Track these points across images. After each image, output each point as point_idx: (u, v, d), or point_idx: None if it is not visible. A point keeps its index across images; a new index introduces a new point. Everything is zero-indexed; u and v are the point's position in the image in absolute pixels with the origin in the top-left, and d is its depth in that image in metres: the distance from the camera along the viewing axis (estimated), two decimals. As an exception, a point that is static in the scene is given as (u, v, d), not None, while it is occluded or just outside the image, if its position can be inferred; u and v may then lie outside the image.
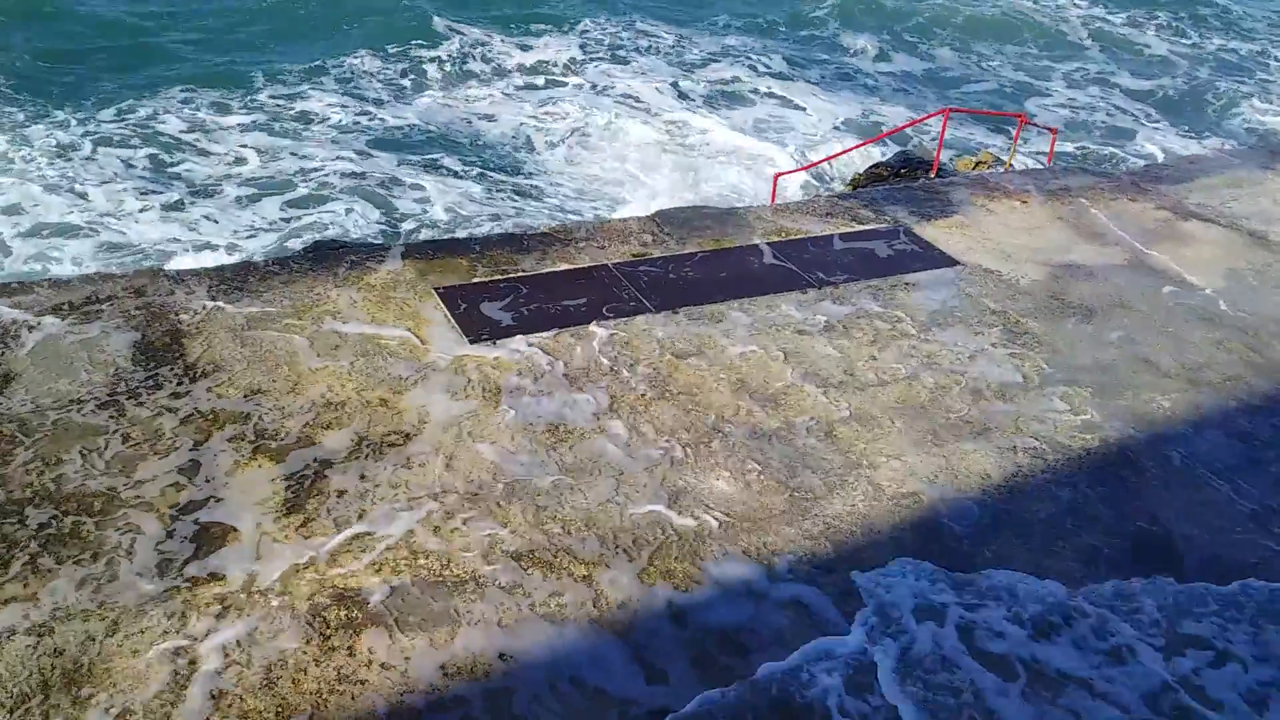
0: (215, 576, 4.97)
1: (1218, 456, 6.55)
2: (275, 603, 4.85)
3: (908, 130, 13.30)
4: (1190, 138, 14.91)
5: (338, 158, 12.76)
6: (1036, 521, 5.85)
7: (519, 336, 7.15)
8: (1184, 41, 19.75)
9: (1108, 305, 8.26)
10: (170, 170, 12.29)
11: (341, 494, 5.57)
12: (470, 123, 14.18)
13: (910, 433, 6.51)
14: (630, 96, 15.52)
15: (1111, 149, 14.05)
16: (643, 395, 6.63)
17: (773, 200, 11.02)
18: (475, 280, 7.85)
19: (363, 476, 5.70)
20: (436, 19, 18.00)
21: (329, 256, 8.01)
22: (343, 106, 14.20)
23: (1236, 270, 9.01)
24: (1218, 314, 8.28)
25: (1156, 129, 15.12)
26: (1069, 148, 14.07)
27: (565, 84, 15.78)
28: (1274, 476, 6.42)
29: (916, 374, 7.13)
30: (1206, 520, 5.99)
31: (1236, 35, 20.32)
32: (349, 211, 11.52)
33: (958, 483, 6.10)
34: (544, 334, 7.21)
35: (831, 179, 12.07)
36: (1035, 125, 12.75)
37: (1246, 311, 8.34)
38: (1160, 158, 13.52)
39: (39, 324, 6.82)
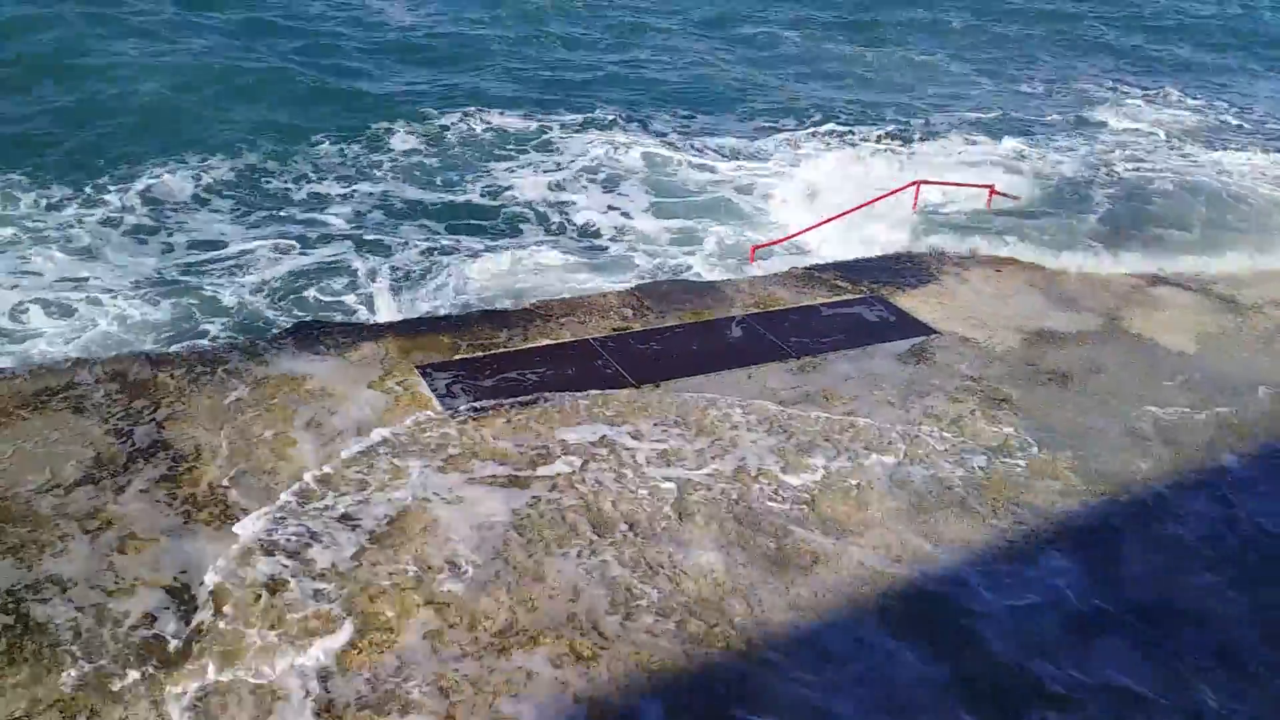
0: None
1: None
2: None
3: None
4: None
5: (324, 234, 12.94)
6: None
7: (499, 411, 7.17)
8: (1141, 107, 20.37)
9: (1083, 370, 8.36)
10: (148, 246, 12.43)
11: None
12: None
13: (893, 500, 6.53)
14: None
15: (1082, 208, 14.42)
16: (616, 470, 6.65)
17: (752, 260, 11.17)
18: (457, 356, 7.89)
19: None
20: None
21: (311, 336, 8.06)
22: (329, 183, 14.42)
23: (1208, 333, 9.15)
24: (1191, 376, 8.38)
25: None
26: (1043, 210, 14.36)
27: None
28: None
29: (896, 442, 7.17)
30: (1189, 582, 5.99)
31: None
32: (337, 288, 11.61)
33: (940, 550, 6.11)
34: (524, 408, 7.23)
35: (809, 250, 12.26)
36: (1004, 195, 13.02)
37: (1219, 372, 8.45)
38: (1133, 222, 13.83)
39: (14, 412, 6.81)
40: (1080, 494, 6.74)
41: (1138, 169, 15.53)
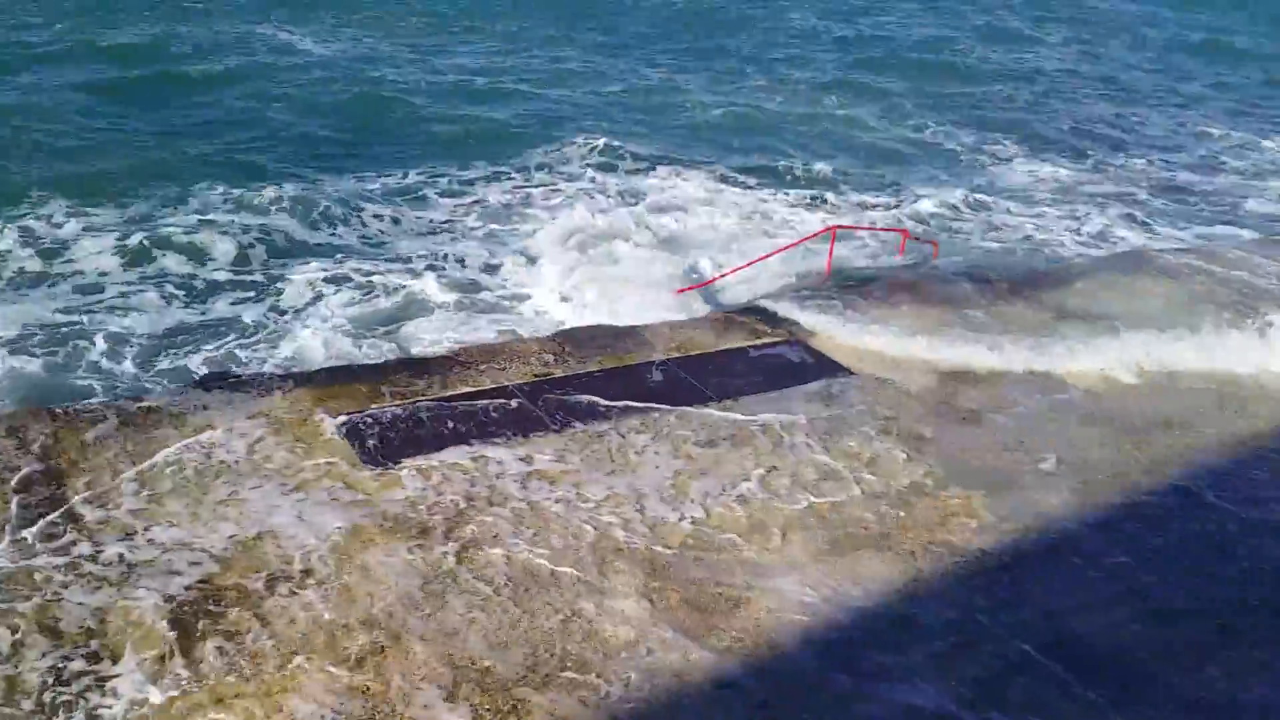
0: None
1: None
2: None
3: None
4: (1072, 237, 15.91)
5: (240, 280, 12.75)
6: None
7: (416, 461, 7.07)
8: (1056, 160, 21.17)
9: (995, 408, 8.56)
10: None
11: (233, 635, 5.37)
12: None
13: (812, 541, 6.58)
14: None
15: (991, 252, 14.88)
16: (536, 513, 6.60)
17: (677, 295, 11.25)
18: (374, 406, 7.78)
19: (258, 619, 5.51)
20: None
21: (222, 386, 7.88)
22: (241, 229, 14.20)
23: (1113, 370, 9.43)
24: (1099, 411, 8.63)
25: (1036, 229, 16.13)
26: (956, 255, 14.82)
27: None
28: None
29: (815, 483, 7.24)
30: (1100, 614, 6.14)
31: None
32: (240, 335, 11.41)
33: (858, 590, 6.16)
34: (443, 457, 7.15)
35: (730, 293, 12.44)
36: (917, 240, 13.37)
37: (1126, 409, 8.71)
38: (1042, 262, 14.29)
39: (-91, 470, 6.52)
40: (995, 530, 6.87)
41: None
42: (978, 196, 17.67)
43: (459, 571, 6.00)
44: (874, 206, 17.09)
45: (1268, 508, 7.39)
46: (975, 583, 6.33)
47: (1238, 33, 39.26)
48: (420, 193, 16.46)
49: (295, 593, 5.71)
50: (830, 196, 17.28)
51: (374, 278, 12.89)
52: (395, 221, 15.17)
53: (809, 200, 16.94)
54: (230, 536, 6.13)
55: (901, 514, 6.96)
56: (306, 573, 5.88)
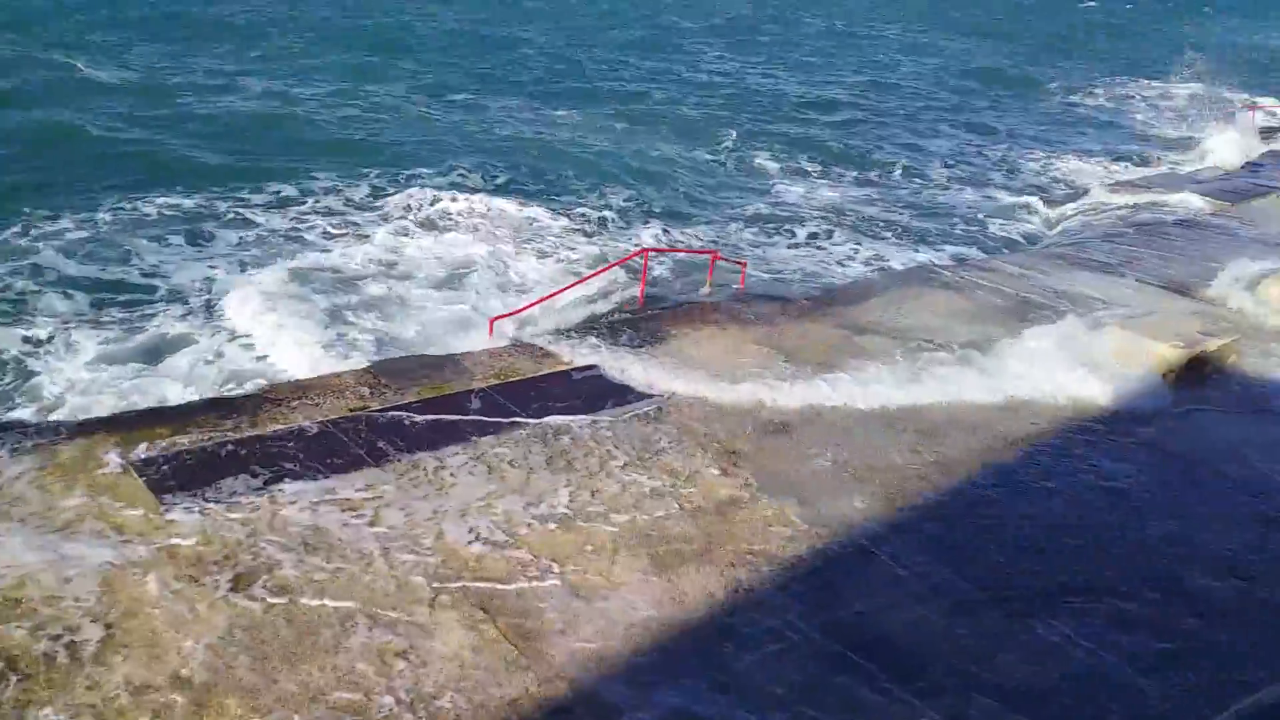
0: None
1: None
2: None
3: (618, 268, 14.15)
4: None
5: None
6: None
7: (220, 502, 6.78)
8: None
9: (802, 421, 8.97)
10: None
11: (25, 704, 4.98)
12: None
13: (636, 559, 6.70)
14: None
15: (792, 272, 15.59)
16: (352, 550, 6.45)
17: (490, 332, 11.22)
18: (177, 449, 7.40)
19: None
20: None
21: (5, 435, 7.32)
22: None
23: (908, 377, 10.05)
24: (896, 419, 9.18)
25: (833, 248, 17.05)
26: (763, 274, 15.46)
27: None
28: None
29: (635, 502, 7.38)
30: (906, 610, 6.52)
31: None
32: (25, 379, 10.61)
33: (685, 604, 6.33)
34: (247, 497, 6.88)
35: (547, 319, 12.52)
36: (727, 261, 13.84)
37: (924, 414, 9.31)
38: (839, 280, 15.06)
39: None
40: (807, 537, 7.19)
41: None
42: (778, 216, 18.52)
43: (265, 618, 5.79)
44: (685, 229, 17.59)
45: (1041, 503, 8.04)
46: (792, 590, 6.61)
47: (1009, 61, 42.74)
48: (199, 225, 15.70)
49: (94, 655, 5.36)
50: (638, 221, 17.69)
51: (140, 315, 12.26)
52: (167, 256, 14.43)
53: (608, 226, 17.26)
54: None
55: (720, 527, 7.19)
56: (93, 621, 5.53)
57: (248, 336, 11.89)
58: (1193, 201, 19.44)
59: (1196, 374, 10.64)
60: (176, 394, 10.23)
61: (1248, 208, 19.02)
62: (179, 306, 12.70)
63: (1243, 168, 24.00)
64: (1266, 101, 32.11)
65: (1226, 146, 26.24)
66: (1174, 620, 6.71)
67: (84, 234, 14.60)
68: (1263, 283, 13.07)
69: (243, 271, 13.89)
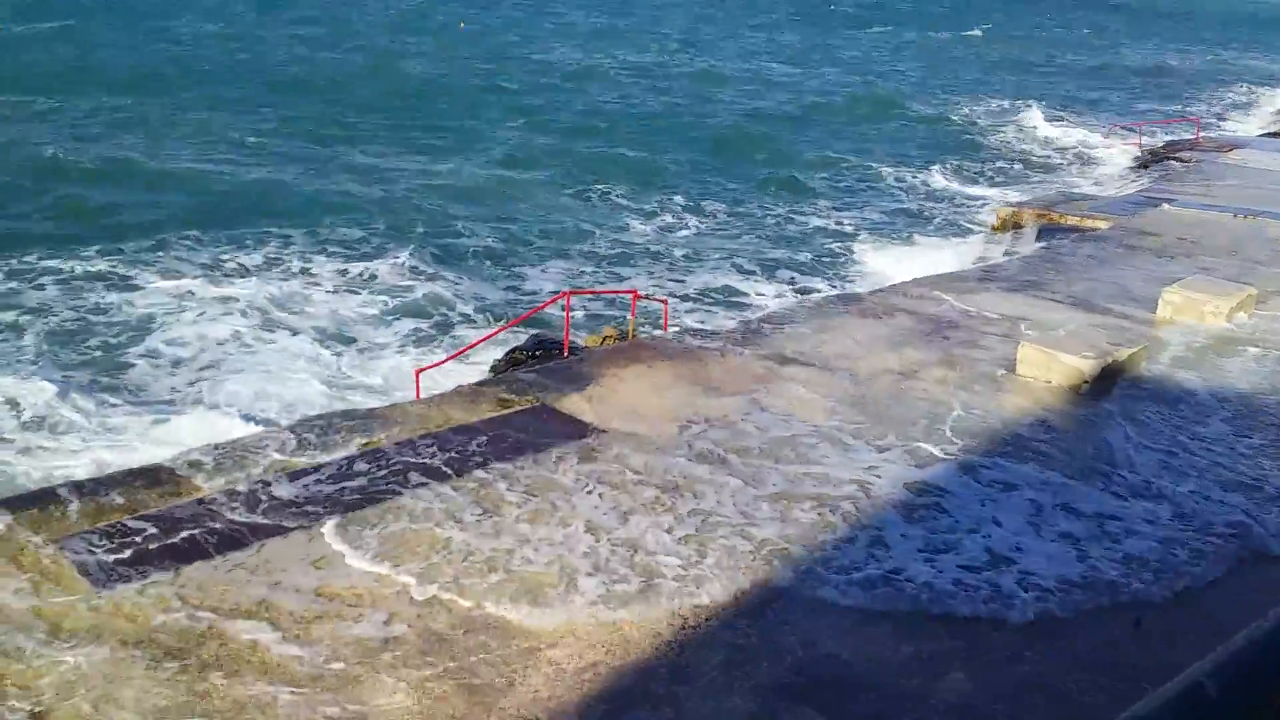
0: None
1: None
2: None
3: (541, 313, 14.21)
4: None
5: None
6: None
7: (149, 579, 6.56)
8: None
9: (735, 450, 9.04)
10: None
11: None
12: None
13: (581, 598, 6.65)
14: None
15: (711, 305, 15.80)
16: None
17: (418, 395, 11.11)
18: (102, 524, 7.14)
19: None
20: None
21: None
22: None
23: (836, 405, 10.22)
24: (820, 443, 9.31)
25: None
26: (686, 308, 15.64)
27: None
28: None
29: (570, 544, 7.34)
30: (851, 633, 6.57)
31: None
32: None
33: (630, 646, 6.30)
34: (184, 572, 6.67)
35: (465, 367, 12.46)
36: (648, 299, 13.96)
37: (848, 441, 9.46)
38: (766, 308, 15.31)
39: None
40: (736, 566, 7.22)
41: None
42: (687, 255, 18.79)
43: (216, 689, 5.60)
44: (600, 270, 17.71)
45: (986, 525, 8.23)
46: (738, 624, 6.62)
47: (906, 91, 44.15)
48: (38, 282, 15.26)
49: (22, 743, 5.12)
50: (552, 264, 17.80)
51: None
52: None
53: (519, 274, 17.33)
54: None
55: (659, 565, 7.17)
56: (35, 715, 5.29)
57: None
58: (1091, 219, 20.24)
59: (1109, 382, 11.02)
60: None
61: (1142, 219, 19.89)
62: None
63: (1132, 184, 25.11)
64: (1141, 123, 33.90)
65: (1115, 164, 27.49)
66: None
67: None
68: (1164, 292, 13.65)
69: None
